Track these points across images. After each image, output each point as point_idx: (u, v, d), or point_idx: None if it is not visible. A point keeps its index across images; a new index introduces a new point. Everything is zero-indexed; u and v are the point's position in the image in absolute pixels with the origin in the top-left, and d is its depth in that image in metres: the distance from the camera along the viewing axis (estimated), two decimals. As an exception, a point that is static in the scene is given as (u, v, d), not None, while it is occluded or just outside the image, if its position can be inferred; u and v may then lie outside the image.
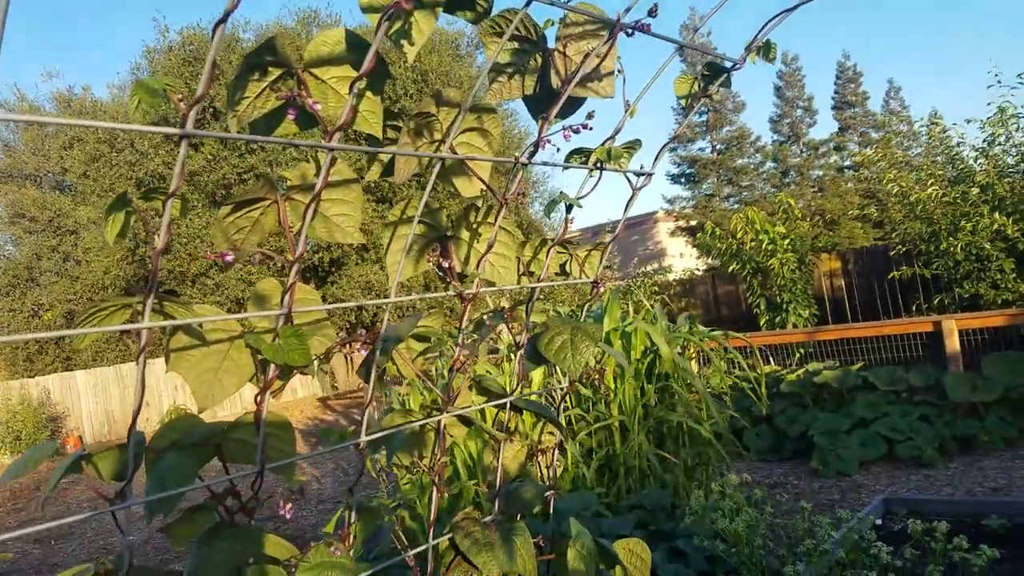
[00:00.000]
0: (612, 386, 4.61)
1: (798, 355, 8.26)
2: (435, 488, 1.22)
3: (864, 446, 5.70)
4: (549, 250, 1.29)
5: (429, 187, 1.04)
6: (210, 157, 14.47)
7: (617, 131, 1.19)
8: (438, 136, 1.13)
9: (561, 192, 1.19)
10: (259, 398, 0.97)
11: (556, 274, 1.43)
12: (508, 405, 1.34)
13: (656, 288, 13.88)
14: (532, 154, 1.12)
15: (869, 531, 2.85)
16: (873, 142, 19.29)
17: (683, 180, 28.70)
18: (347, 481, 7.06)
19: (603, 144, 1.19)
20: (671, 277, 17.48)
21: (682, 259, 24.76)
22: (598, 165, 1.22)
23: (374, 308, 14.20)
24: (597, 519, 3.73)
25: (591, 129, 1.07)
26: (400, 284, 1.21)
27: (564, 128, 1.09)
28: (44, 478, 10.36)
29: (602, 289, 1.32)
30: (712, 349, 5.44)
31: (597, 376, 4.33)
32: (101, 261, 16.15)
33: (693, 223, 26.04)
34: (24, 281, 17.22)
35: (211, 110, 14.37)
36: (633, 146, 1.34)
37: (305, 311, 1.02)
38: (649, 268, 18.58)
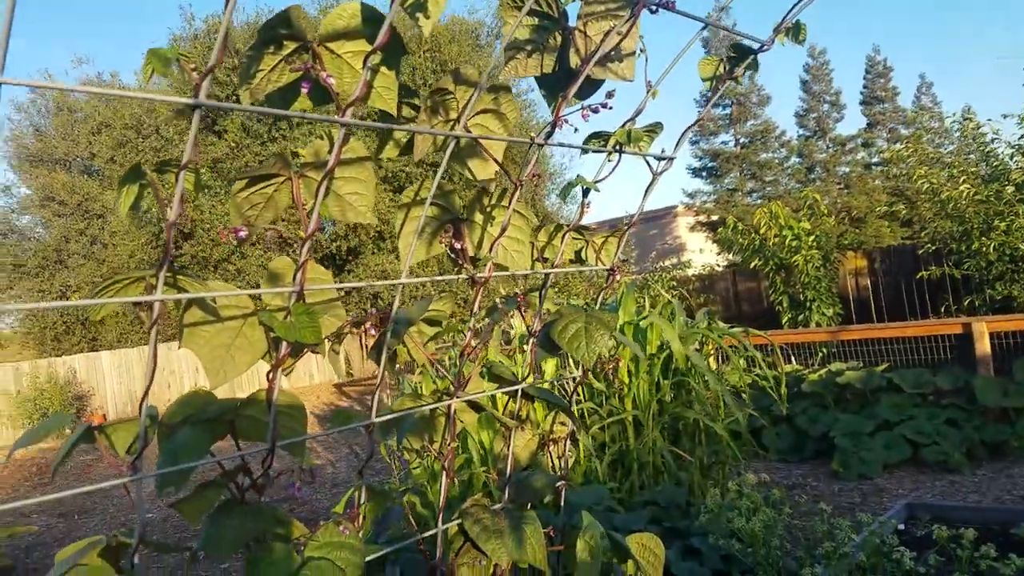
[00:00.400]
0: (626, 380, 4.58)
1: (821, 355, 8.16)
2: (445, 473, 1.21)
3: (888, 449, 5.61)
4: (564, 235, 1.27)
5: (443, 166, 1.03)
6: (233, 144, 14.58)
7: (638, 112, 1.16)
8: (454, 115, 1.11)
9: (578, 175, 1.16)
10: (271, 375, 0.96)
11: (571, 261, 1.41)
12: (520, 393, 1.33)
13: (674, 283, 13.77)
14: (549, 134, 1.10)
15: (891, 536, 2.80)
16: (903, 139, 18.97)
17: (704, 174, 28.42)
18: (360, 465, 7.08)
19: (623, 126, 1.17)
20: (690, 272, 17.34)
21: (702, 254, 24.54)
22: (617, 148, 1.19)
23: (391, 295, 14.24)
24: (609, 514, 3.70)
25: (611, 108, 1.05)
26: (412, 268, 1.19)
27: (583, 107, 1.07)
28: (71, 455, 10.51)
29: (618, 278, 1.30)
30: (732, 346, 5.37)
31: (611, 369, 4.30)
32: (127, 245, 16.35)
33: (714, 218, 25.80)
34: (53, 263, 17.49)
35: (234, 98, 14.45)
36: (654, 129, 1.31)
37: (317, 289, 1.01)
38: (667, 263, 18.45)
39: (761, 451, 5.62)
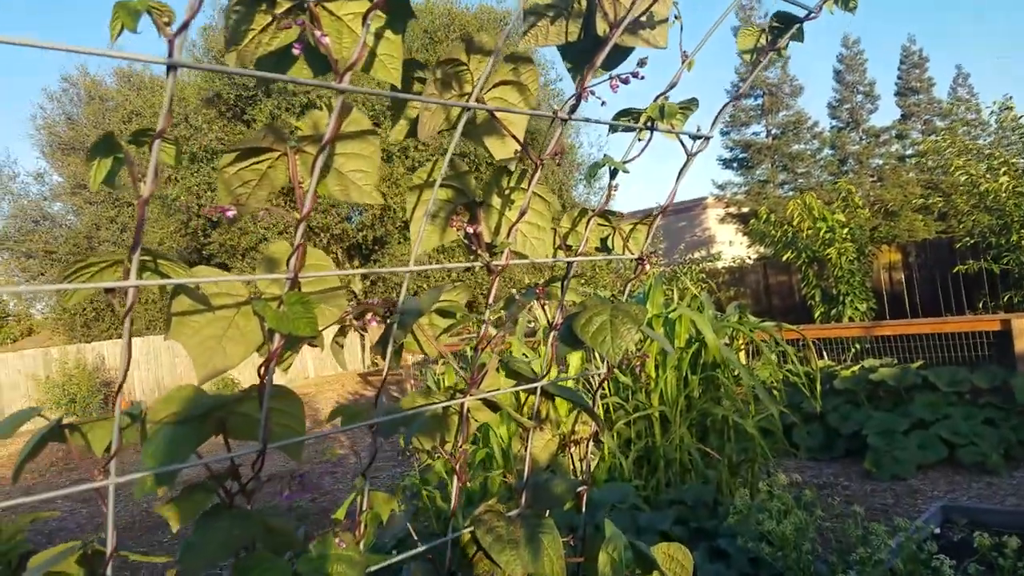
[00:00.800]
0: (653, 375, 4.47)
1: (853, 350, 7.96)
2: (456, 477, 1.12)
3: (922, 449, 5.44)
4: (589, 221, 1.16)
5: (454, 142, 0.93)
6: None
7: (672, 85, 1.05)
8: (468, 88, 1.01)
9: (605, 155, 1.06)
10: (263, 370, 0.88)
11: (596, 250, 1.30)
12: (539, 391, 1.23)
13: (703, 276, 13.54)
14: (573, 108, 1.00)
15: (929, 542, 2.67)
16: (938, 130, 18.51)
17: (735, 165, 28.07)
18: (385, 455, 7.05)
19: (655, 100, 1.06)
20: (719, 265, 17.07)
21: (731, 247, 24.20)
22: (649, 125, 1.09)
23: (415, 286, 14.20)
24: (634, 512, 3.61)
25: (643, 78, 0.94)
26: (431, 256, 1.09)
27: (611, 77, 0.96)
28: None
29: (647, 268, 1.19)
30: (763, 341, 5.23)
31: (638, 364, 4.18)
32: (156, 233, 16.52)
33: (744, 210, 25.45)
34: (84, 250, 17.74)
35: (263, 87, 14.44)
36: (689, 106, 1.21)
37: (314, 277, 0.92)
38: (696, 255, 18.18)
39: (791, 449, 5.47)
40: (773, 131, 27.38)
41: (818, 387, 5.12)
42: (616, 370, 4.62)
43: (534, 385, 1.22)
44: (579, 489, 1.34)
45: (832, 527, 3.59)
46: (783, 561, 2.92)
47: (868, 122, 27.60)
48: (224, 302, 0.93)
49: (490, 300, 1.08)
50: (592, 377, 4.54)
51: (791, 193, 24.73)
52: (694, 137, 1.18)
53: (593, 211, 1.16)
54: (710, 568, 3.04)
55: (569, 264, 1.17)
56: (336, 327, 1.06)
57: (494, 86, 1.04)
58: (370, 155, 0.89)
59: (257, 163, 0.86)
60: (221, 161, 0.85)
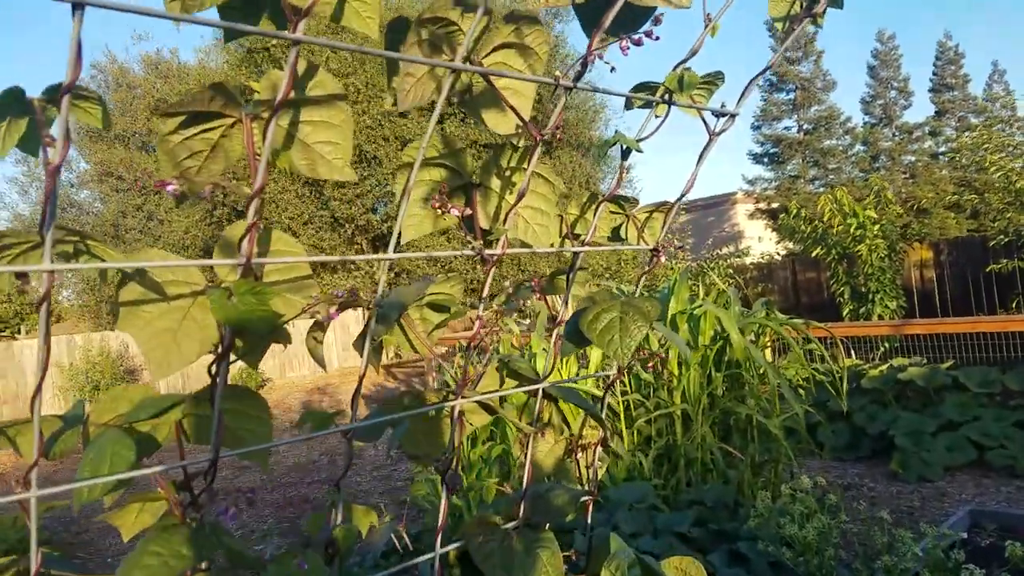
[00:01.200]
0: (676, 372, 4.34)
1: (882, 349, 7.75)
2: (445, 488, 1.01)
3: (951, 451, 5.26)
4: (598, 206, 1.04)
5: (438, 111, 0.81)
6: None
7: (693, 53, 0.93)
8: (462, 51, 0.89)
9: (616, 131, 0.94)
10: (214, 368, 0.77)
11: (608, 238, 1.19)
12: (540, 392, 1.11)
13: (731, 271, 13.30)
14: (579, 74, 0.88)
15: (957, 551, 2.53)
16: (972, 127, 18.07)
17: (766, 160, 27.67)
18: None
19: (675, 69, 0.93)
20: (748, 261, 16.78)
21: (760, 243, 23.85)
22: (666, 98, 0.96)
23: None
24: (652, 512, 3.50)
25: (657, 39, 0.82)
26: (419, 242, 0.98)
27: (621, 37, 0.84)
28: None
29: (663, 259, 1.07)
30: (792, 338, 5.07)
31: (659, 361, 4.05)
32: (181, 221, 16.61)
33: (774, 205, 25.07)
34: (110, 238, 17.89)
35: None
36: (714, 81, 1.08)
37: (282, 263, 0.82)
38: (724, 250, 17.88)
39: (815, 449, 5.31)
40: (805, 126, 26.93)
41: (844, 386, 4.95)
42: (638, 366, 4.50)
43: (535, 387, 1.10)
44: (584, 499, 1.22)
45: (857, 530, 3.46)
46: (805, 567, 2.80)
47: (901, 118, 27.04)
48: (179, 291, 0.83)
49: (484, 293, 0.96)
50: (604, 378, 4.42)
51: (822, 189, 24.34)
52: (718, 114, 1.05)
53: (602, 196, 1.04)
54: (729, 572, 2.93)
55: (575, 255, 1.05)
56: (314, 322, 0.96)
57: (493, 49, 0.92)
58: (340, 123, 0.77)
59: (207, 131, 0.75)
60: (163, 127, 0.74)
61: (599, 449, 1.21)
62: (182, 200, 0.74)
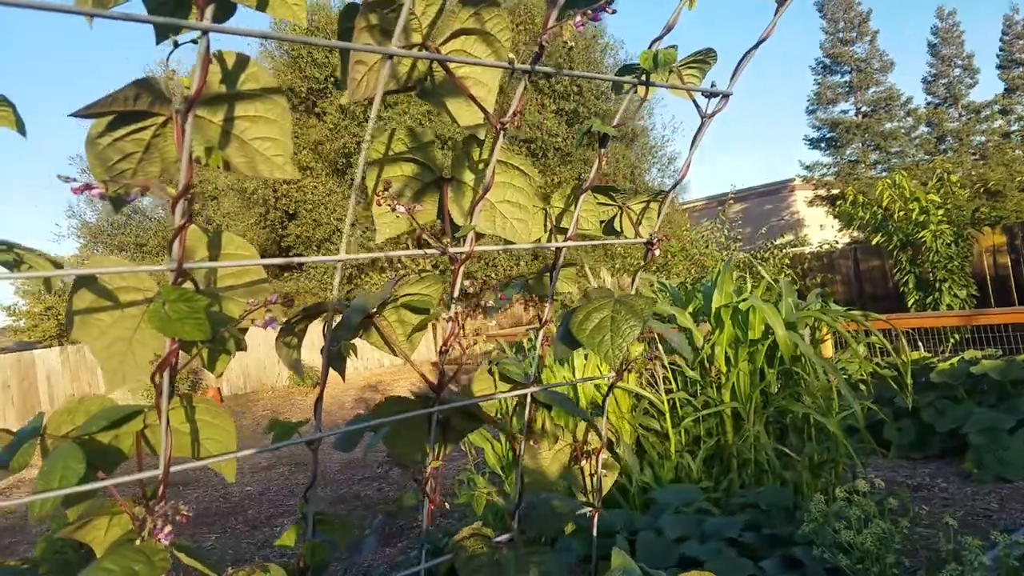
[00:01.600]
0: (723, 369, 4.20)
1: (952, 341, 7.38)
2: (427, 500, 0.96)
3: (1031, 449, 4.95)
4: (579, 196, 0.97)
5: (379, 98, 0.75)
6: (332, 126, 14.89)
7: (668, 29, 0.85)
8: (417, 38, 0.84)
9: (593, 116, 0.88)
10: (157, 377, 0.74)
11: (604, 232, 1.11)
12: (528, 397, 1.05)
13: (788, 262, 12.87)
14: (537, 56, 0.81)
15: (1035, 562, 2.36)
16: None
17: (823, 145, 26.88)
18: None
19: (650, 47, 0.86)
20: (806, 250, 16.25)
21: (822, 231, 23.12)
22: (642, 79, 0.89)
23: (482, 277, 14.05)
24: (700, 516, 3.38)
25: (614, 12, 0.75)
26: (394, 241, 0.93)
27: (578, 11, 0.77)
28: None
29: (657, 252, 1.00)
30: (853, 332, 4.86)
31: (707, 357, 3.92)
32: (237, 226, 17.03)
33: (835, 192, 24.31)
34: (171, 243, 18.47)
35: (332, 79, 14.58)
36: (706, 59, 1.00)
37: (229, 266, 0.78)
38: (781, 240, 17.33)
39: (879, 448, 5.08)
40: (863, 108, 26.05)
41: (908, 380, 4.71)
42: (682, 363, 4.37)
43: (523, 391, 1.04)
44: (585, 511, 1.15)
45: (926, 534, 3.28)
46: (864, 574, 2.66)
47: (967, 97, 25.89)
48: (132, 298, 0.80)
49: (454, 293, 0.91)
50: (655, 370, 4.30)
51: (884, 174, 23.48)
52: (709, 95, 0.97)
53: (584, 185, 0.97)
54: (782, 579, 2.81)
55: (558, 251, 0.98)
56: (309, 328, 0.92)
57: (452, 36, 0.86)
58: (277, 118, 0.72)
59: (139, 131, 0.72)
60: (91, 128, 0.70)
61: (599, 456, 1.14)
62: (119, 205, 0.71)
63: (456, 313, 0.90)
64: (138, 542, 0.76)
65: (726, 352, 4.27)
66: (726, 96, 0.97)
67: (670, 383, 4.27)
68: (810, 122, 26.94)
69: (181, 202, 0.66)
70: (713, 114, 0.99)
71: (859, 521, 2.75)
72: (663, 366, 4.10)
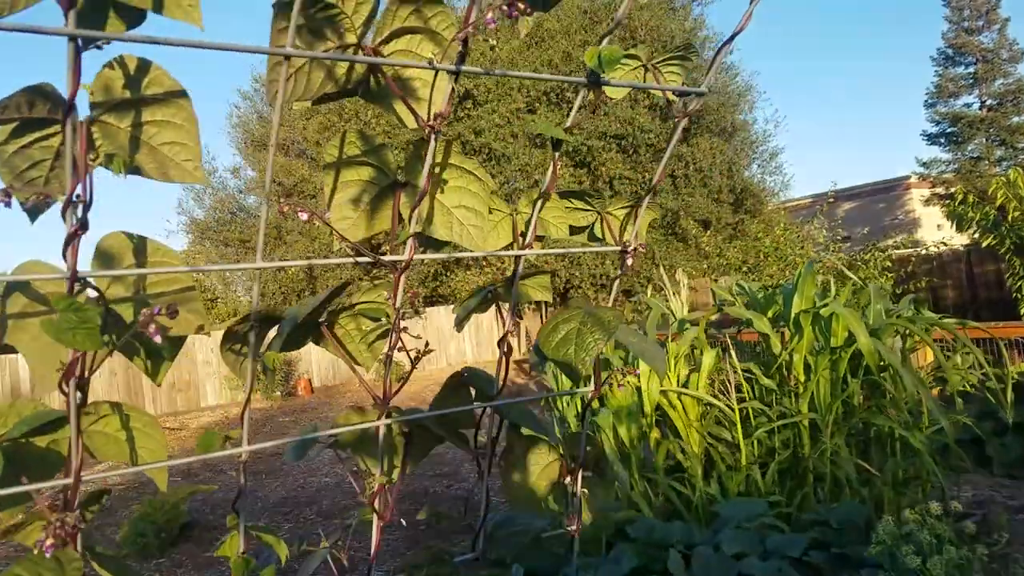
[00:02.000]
0: (802, 378, 3.99)
1: (1066, 353, 6.76)
2: (376, 516, 0.92)
3: None
4: (541, 201, 0.91)
5: (278, 106, 0.72)
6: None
7: (618, 24, 0.78)
8: (352, 39, 0.80)
9: (534, 119, 0.82)
10: (63, 384, 0.73)
11: (589, 239, 1.05)
12: (487, 411, 1.00)
13: (889, 264, 12.09)
14: (461, 55, 0.76)
15: None
16: None
17: (943, 140, 25.21)
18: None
19: (598, 43, 0.79)
20: (913, 252, 15.25)
21: (940, 231, 21.70)
22: (594, 79, 0.82)
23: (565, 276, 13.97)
24: (764, 532, 3.23)
25: (529, 12, 0.69)
26: (352, 247, 0.91)
27: (491, 8, 0.71)
28: (270, 415, 11.49)
29: (630, 261, 0.93)
30: (954, 340, 4.52)
31: (785, 364, 3.73)
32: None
33: (953, 190, 22.78)
34: (273, 239, 19.25)
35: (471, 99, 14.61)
36: (686, 55, 0.92)
37: (101, 275, 0.76)
38: (887, 241, 16.29)
39: (975, 466, 4.71)
40: (988, 102, 24.28)
41: (1009, 393, 4.35)
42: (757, 371, 4.17)
43: (486, 404, 0.99)
44: (567, 530, 1.09)
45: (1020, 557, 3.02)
46: (933, 605, 2.47)
47: (1105, 88, 23.73)
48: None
49: (396, 303, 0.86)
50: (727, 378, 4.13)
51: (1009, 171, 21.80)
52: (681, 93, 0.89)
53: (544, 191, 0.91)
54: (847, 603, 2.64)
55: (517, 259, 0.93)
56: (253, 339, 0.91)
57: (392, 35, 0.82)
58: (184, 122, 0.70)
59: (45, 138, 0.71)
60: (-6, 139, 0.70)
61: (580, 473, 1.08)
62: (35, 213, 0.71)
63: (397, 322, 0.86)
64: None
65: (805, 359, 4.06)
66: (700, 95, 0.89)
67: (743, 391, 4.09)
68: (928, 116, 25.37)
69: (70, 210, 0.65)
70: (690, 112, 0.91)
71: (930, 546, 2.56)
72: (735, 372, 3.93)
